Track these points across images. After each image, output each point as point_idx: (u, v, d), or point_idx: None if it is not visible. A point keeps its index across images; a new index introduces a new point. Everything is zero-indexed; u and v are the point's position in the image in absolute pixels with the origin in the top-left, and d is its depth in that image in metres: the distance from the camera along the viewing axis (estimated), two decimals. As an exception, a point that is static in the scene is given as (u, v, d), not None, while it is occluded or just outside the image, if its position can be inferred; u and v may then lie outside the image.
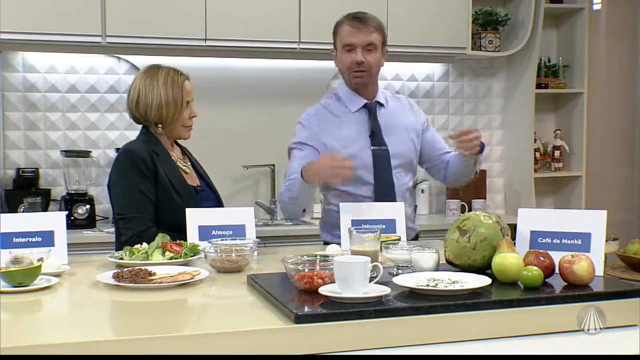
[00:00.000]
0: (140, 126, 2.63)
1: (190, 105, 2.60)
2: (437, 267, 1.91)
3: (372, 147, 2.69)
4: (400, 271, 1.92)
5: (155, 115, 2.53)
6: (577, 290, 1.73)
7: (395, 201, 2.65)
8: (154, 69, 2.57)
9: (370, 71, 2.70)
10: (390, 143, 2.71)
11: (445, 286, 1.70)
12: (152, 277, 1.88)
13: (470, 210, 4.29)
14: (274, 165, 4.15)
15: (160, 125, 2.56)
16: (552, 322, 1.65)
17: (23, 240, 2.10)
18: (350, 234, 2.08)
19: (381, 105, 2.77)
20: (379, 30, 2.70)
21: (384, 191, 2.68)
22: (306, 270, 1.71)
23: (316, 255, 1.88)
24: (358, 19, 2.68)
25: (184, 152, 2.75)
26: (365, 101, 2.74)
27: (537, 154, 4.53)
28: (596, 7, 4.58)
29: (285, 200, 2.63)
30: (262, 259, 2.33)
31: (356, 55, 2.66)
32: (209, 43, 3.71)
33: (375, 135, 2.70)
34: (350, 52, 2.68)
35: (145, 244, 2.23)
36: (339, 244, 2.38)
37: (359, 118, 2.73)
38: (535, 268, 1.77)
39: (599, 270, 1.91)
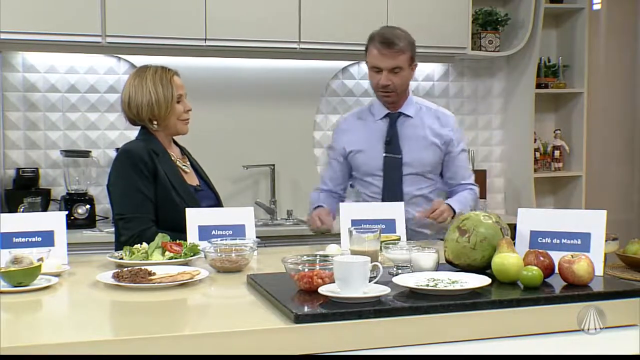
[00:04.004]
0: (138, 127, 2.63)
1: (183, 100, 2.60)
2: (437, 267, 1.91)
3: (384, 154, 2.85)
4: (400, 271, 1.92)
5: (147, 113, 2.54)
6: (577, 290, 1.73)
7: None
8: (142, 69, 2.59)
9: (396, 91, 2.82)
10: (406, 151, 2.85)
11: (445, 286, 1.70)
12: (152, 277, 1.88)
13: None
14: (273, 165, 4.15)
15: (155, 123, 2.56)
16: (552, 322, 1.65)
17: (23, 240, 2.10)
18: (350, 233, 2.08)
19: (407, 116, 2.89)
20: (406, 51, 2.77)
21: (391, 195, 2.82)
22: (306, 270, 1.71)
23: (316, 255, 1.89)
24: (386, 43, 2.75)
25: (183, 151, 2.75)
26: (388, 111, 2.90)
27: (537, 154, 4.53)
28: (596, 7, 4.58)
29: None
30: (262, 259, 2.33)
31: (382, 79, 2.78)
32: (209, 43, 3.71)
33: (391, 143, 2.85)
34: (377, 74, 2.80)
35: (145, 244, 2.23)
36: None
37: (380, 126, 2.90)
38: (535, 268, 1.77)
39: (599, 270, 1.91)
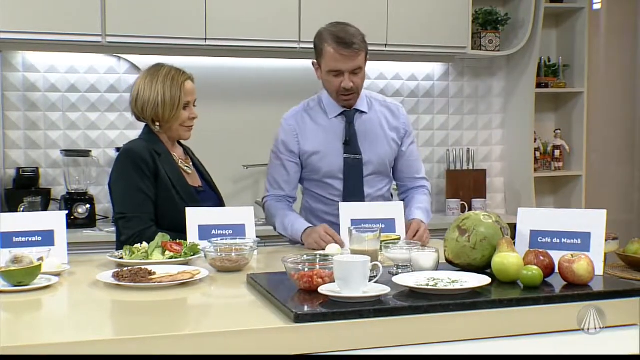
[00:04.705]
0: (143, 125, 2.62)
1: (191, 107, 2.58)
2: (437, 267, 1.91)
3: (344, 155, 2.69)
4: (400, 270, 1.92)
5: (152, 112, 2.52)
6: (577, 290, 1.73)
7: None
8: (157, 67, 2.57)
9: (357, 92, 2.67)
10: (366, 150, 2.71)
11: (445, 285, 1.70)
12: (152, 277, 1.88)
13: (470, 209, 4.29)
14: (274, 165, 4.14)
15: (157, 124, 2.55)
16: (552, 322, 1.66)
17: (23, 239, 2.10)
18: (350, 233, 2.08)
19: (362, 112, 2.74)
20: (363, 49, 2.60)
21: (353, 197, 2.68)
22: (306, 269, 1.71)
23: (316, 255, 1.88)
24: (344, 43, 2.55)
25: (187, 152, 2.74)
26: (344, 109, 2.72)
27: (537, 154, 4.53)
28: (596, 6, 4.58)
29: (266, 215, 2.83)
30: (262, 259, 2.33)
31: (345, 82, 2.60)
32: (209, 43, 3.71)
33: (350, 143, 2.69)
34: (337, 77, 2.61)
35: (145, 244, 2.23)
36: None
37: (335, 125, 2.72)
38: (535, 267, 1.77)
39: (599, 270, 1.91)
